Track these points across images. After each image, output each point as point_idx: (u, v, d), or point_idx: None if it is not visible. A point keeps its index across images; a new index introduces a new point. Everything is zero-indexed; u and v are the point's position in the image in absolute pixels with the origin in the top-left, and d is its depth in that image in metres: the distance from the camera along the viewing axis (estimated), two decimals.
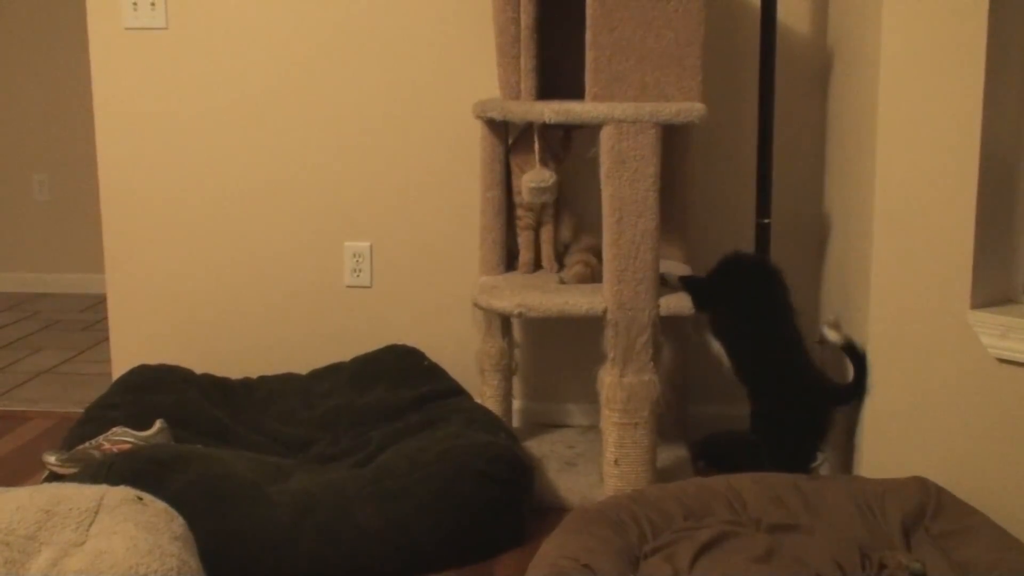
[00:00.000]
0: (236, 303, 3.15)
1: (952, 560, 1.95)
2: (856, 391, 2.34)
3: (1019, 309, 2.17)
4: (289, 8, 3.01)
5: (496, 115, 2.63)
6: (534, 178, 2.63)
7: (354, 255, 3.10)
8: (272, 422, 2.80)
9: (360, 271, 3.10)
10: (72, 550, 1.73)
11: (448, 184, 3.02)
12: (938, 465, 2.21)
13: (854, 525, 2.09)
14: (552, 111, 2.42)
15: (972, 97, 2.11)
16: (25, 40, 4.98)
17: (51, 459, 2.49)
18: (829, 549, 1.98)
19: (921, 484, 2.16)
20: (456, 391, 2.80)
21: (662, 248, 2.53)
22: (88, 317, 4.59)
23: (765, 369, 2.48)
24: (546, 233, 2.75)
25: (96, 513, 1.80)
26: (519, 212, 2.74)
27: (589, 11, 2.38)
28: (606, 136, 2.38)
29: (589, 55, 2.40)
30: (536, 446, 2.87)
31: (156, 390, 2.77)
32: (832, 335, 2.40)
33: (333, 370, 2.99)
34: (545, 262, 2.76)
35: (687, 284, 2.56)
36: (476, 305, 2.64)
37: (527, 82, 2.57)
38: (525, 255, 2.76)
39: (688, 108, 2.39)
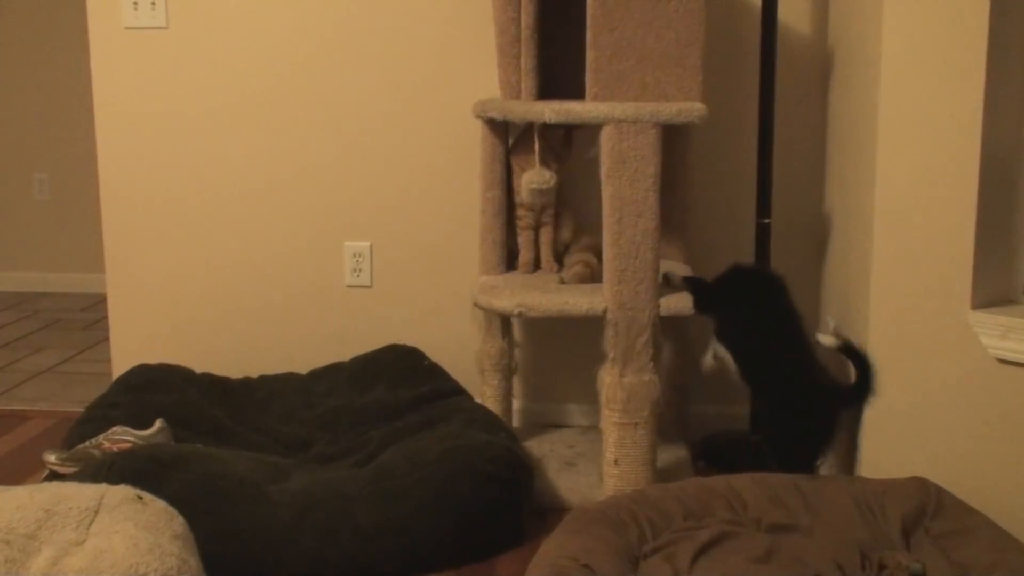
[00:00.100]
0: (236, 303, 3.15)
1: (952, 560, 1.95)
2: (862, 391, 2.32)
3: (1019, 309, 2.17)
4: (289, 8, 3.01)
5: (496, 115, 2.63)
6: (534, 179, 2.63)
7: (354, 255, 3.10)
8: (272, 422, 2.80)
9: (360, 271, 3.10)
10: (72, 549, 1.73)
11: (448, 184, 3.02)
12: (938, 465, 2.21)
13: (854, 525, 2.09)
14: (552, 111, 2.42)
15: (973, 97, 2.11)
16: (25, 39, 4.98)
17: (51, 458, 2.49)
18: (829, 549, 1.98)
19: (921, 484, 2.16)
20: (456, 391, 2.80)
21: (662, 248, 2.54)
22: (88, 316, 4.59)
23: (772, 372, 2.46)
24: (546, 233, 2.75)
25: (96, 512, 1.80)
26: (519, 212, 2.74)
27: (589, 11, 2.38)
28: (606, 136, 2.38)
29: (589, 55, 2.40)
30: (536, 446, 2.87)
31: (156, 389, 2.77)
32: (827, 340, 2.39)
33: (333, 370, 2.99)
34: (545, 262, 2.76)
35: (690, 285, 2.56)
36: (476, 305, 2.64)
37: (527, 82, 2.57)
38: (525, 255, 2.76)
39: (688, 108, 2.39)
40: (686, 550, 1.98)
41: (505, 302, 2.52)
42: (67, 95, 4.93)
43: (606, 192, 2.41)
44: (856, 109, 2.48)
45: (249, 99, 3.06)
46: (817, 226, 2.91)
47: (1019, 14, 2.12)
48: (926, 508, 2.10)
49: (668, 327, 2.64)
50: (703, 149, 2.90)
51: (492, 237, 2.76)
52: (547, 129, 2.60)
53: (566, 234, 2.78)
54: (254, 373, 3.04)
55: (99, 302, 4.66)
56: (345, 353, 3.01)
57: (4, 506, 1.78)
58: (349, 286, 3.12)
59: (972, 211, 2.15)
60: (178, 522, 1.88)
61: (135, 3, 3.03)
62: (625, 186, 2.39)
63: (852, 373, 2.35)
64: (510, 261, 2.79)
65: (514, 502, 2.40)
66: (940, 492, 2.14)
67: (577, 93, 2.48)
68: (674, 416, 2.83)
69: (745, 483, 2.23)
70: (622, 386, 2.44)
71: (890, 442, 2.30)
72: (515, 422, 2.97)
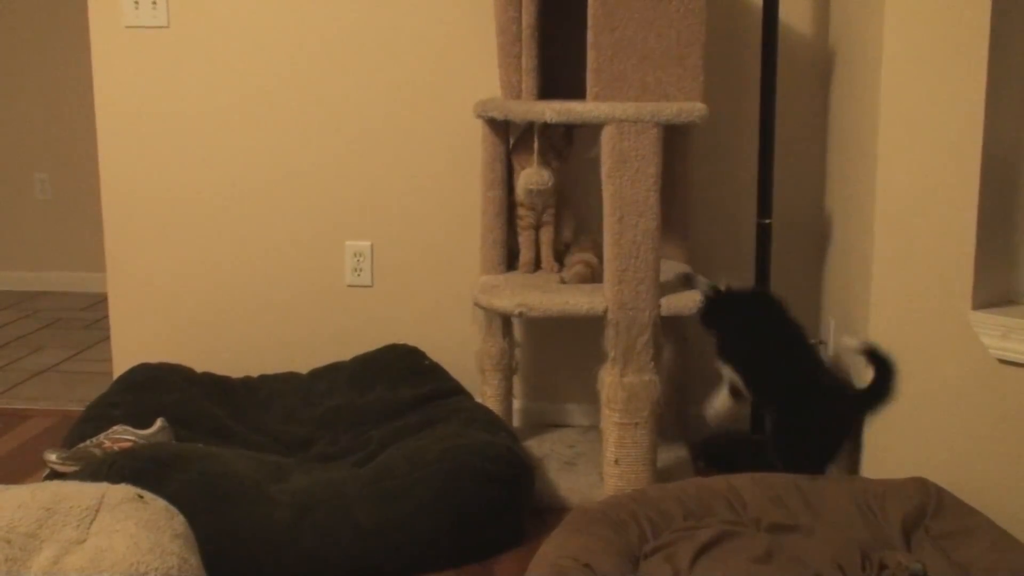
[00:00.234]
0: (237, 302, 3.15)
1: (952, 560, 1.95)
2: (879, 395, 2.29)
3: (1020, 310, 2.17)
4: (290, 7, 3.01)
5: (497, 115, 2.63)
6: (531, 179, 2.63)
7: (355, 254, 3.10)
8: (273, 421, 2.80)
9: (361, 270, 3.10)
10: (73, 548, 1.73)
11: (449, 184, 3.02)
12: (938, 465, 2.21)
13: (854, 525, 2.09)
14: (553, 111, 2.42)
15: (974, 97, 2.11)
16: (26, 38, 4.98)
17: (52, 457, 2.49)
18: (829, 549, 1.98)
19: (921, 484, 2.16)
20: (456, 391, 2.80)
21: (663, 248, 2.54)
22: (89, 315, 4.59)
23: (782, 380, 2.45)
24: (547, 233, 2.75)
25: (97, 511, 1.80)
26: (520, 212, 2.74)
27: (590, 11, 2.38)
28: (607, 136, 2.38)
29: (590, 55, 2.40)
30: (536, 446, 2.87)
31: (157, 389, 2.78)
32: (851, 342, 2.36)
33: (334, 369, 2.99)
34: (546, 262, 2.76)
35: (711, 294, 2.52)
36: (477, 305, 2.64)
37: (528, 82, 2.57)
38: (526, 255, 2.76)
39: (689, 108, 2.39)
40: (686, 550, 1.98)
41: (506, 302, 2.52)
42: (68, 94, 4.93)
43: (607, 192, 2.41)
44: (857, 109, 2.48)
45: (250, 98, 3.06)
46: (818, 226, 2.91)
47: (1020, 14, 2.12)
48: (926, 508, 2.10)
49: (669, 327, 2.64)
50: (704, 149, 2.90)
51: (493, 237, 2.76)
52: (548, 128, 2.60)
53: (567, 234, 2.79)
54: (255, 372, 3.05)
55: (100, 301, 4.66)
56: (346, 353, 3.01)
57: (5, 505, 1.78)
58: (350, 286, 3.12)
59: (973, 211, 2.15)
60: (179, 521, 1.88)
61: (136, 2, 3.03)
62: (626, 186, 2.40)
63: (868, 376, 2.32)
64: (511, 261, 2.79)
65: (514, 502, 2.40)
66: (940, 492, 2.14)
67: (578, 93, 2.48)
68: (674, 416, 2.83)
69: (745, 483, 2.23)
70: (623, 386, 2.44)
71: (890, 442, 2.30)
72: (515, 422, 2.97)
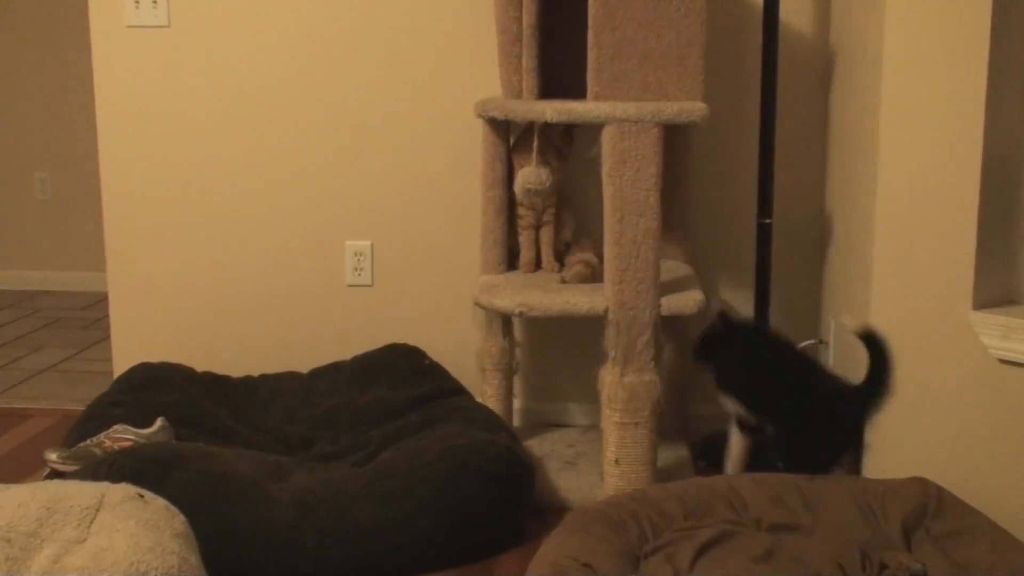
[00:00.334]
0: (237, 301, 3.15)
1: (953, 560, 1.95)
2: (875, 386, 2.27)
3: (1020, 310, 2.17)
4: (291, 7, 3.01)
5: (498, 114, 2.63)
6: (529, 178, 2.63)
7: (355, 254, 3.10)
8: (273, 421, 2.80)
9: (361, 270, 3.10)
10: (73, 547, 1.73)
11: (449, 183, 3.02)
12: (939, 465, 2.21)
13: (855, 525, 2.09)
14: (554, 111, 2.42)
15: (974, 97, 2.11)
16: (27, 38, 4.98)
17: (52, 456, 2.49)
18: (830, 549, 1.98)
19: (922, 484, 2.16)
20: (457, 390, 2.80)
21: (663, 248, 2.54)
22: (89, 315, 4.59)
23: (782, 400, 2.45)
24: (547, 233, 2.75)
25: (97, 510, 1.80)
26: (520, 211, 2.74)
27: (591, 11, 2.38)
28: (608, 136, 2.38)
29: (591, 55, 2.40)
30: (537, 445, 2.87)
31: (157, 388, 2.78)
32: (850, 322, 2.34)
33: (334, 369, 2.99)
34: (546, 262, 2.76)
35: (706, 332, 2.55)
36: (477, 304, 2.64)
37: (529, 81, 2.57)
38: (526, 254, 2.76)
39: (690, 108, 2.39)
40: (687, 550, 1.98)
41: (506, 301, 2.52)
42: (68, 94, 4.93)
43: (607, 192, 2.41)
44: (858, 109, 2.48)
45: (250, 98, 3.06)
46: (818, 226, 2.91)
47: (1020, 14, 2.12)
48: (927, 508, 2.10)
49: (669, 327, 2.65)
50: (704, 149, 2.90)
51: (493, 236, 2.76)
52: (548, 128, 2.60)
53: (567, 234, 2.79)
54: (255, 372, 3.05)
55: (100, 301, 4.66)
56: (346, 352, 3.01)
57: (5, 504, 1.78)
58: (350, 285, 3.12)
59: (973, 211, 2.14)
60: (179, 520, 1.88)
61: (136, 1, 3.03)
62: (626, 186, 2.39)
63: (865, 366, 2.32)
64: (511, 260, 2.79)
65: (514, 502, 2.40)
66: (941, 492, 2.14)
67: (578, 92, 2.48)
68: (674, 416, 2.83)
69: (746, 483, 2.23)
70: (623, 386, 2.44)
71: (890, 442, 2.29)
72: (516, 421, 2.97)
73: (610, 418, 2.46)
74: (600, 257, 2.53)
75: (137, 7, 3.04)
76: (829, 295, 2.82)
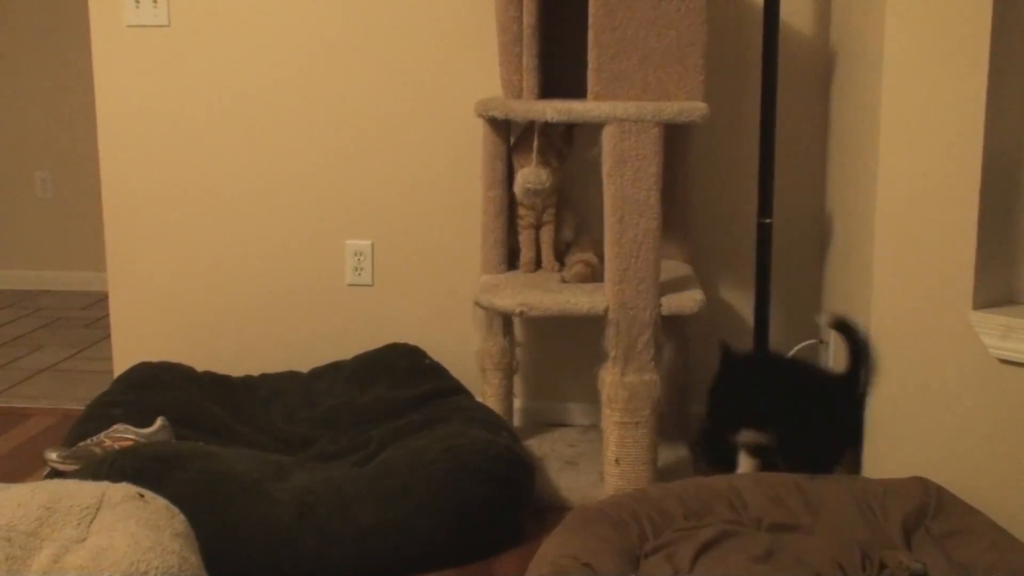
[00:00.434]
0: (237, 301, 3.15)
1: (953, 560, 1.95)
2: (859, 370, 2.32)
3: (1021, 310, 2.17)
4: (291, 6, 3.01)
5: (498, 114, 2.63)
6: (528, 178, 2.63)
7: (356, 253, 3.10)
8: (273, 420, 2.80)
9: (361, 269, 3.10)
10: (73, 547, 1.73)
11: (450, 183, 3.02)
12: (939, 465, 2.21)
13: (855, 525, 2.09)
14: (554, 110, 2.42)
15: (975, 96, 2.11)
16: (27, 37, 4.99)
17: (52, 456, 2.49)
18: (830, 549, 1.98)
19: (922, 484, 2.16)
20: (457, 390, 2.80)
21: (664, 247, 2.54)
22: (89, 314, 4.59)
23: (785, 405, 2.48)
24: (547, 232, 2.75)
25: (97, 510, 1.80)
26: (520, 211, 2.74)
27: (591, 10, 2.38)
28: (608, 135, 2.38)
29: (591, 54, 2.40)
30: (537, 445, 2.87)
31: (157, 388, 2.78)
32: (822, 319, 2.43)
33: (334, 368, 2.99)
34: (546, 261, 2.76)
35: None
36: (477, 304, 2.64)
37: (529, 81, 2.57)
38: (526, 254, 2.76)
39: (690, 107, 2.39)
40: (687, 549, 1.98)
41: (506, 301, 2.52)
42: (69, 93, 4.93)
43: (607, 191, 2.41)
44: (858, 108, 2.48)
45: (251, 97, 3.06)
46: (819, 225, 2.91)
47: (1021, 14, 2.12)
48: (927, 508, 2.10)
49: (669, 327, 2.64)
50: (705, 148, 2.90)
51: (493, 236, 2.76)
52: (548, 128, 2.60)
53: (567, 233, 2.79)
54: (255, 371, 3.05)
55: (100, 300, 4.67)
56: (346, 352, 3.01)
57: (5, 504, 1.78)
58: (350, 285, 3.12)
59: (974, 211, 2.14)
60: (179, 520, 1.88)
61: (137, 1, 3.03)
62: (627, 185, 2.39)
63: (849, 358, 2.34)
64: (511, 260, 2.79)
65: (515, 501, 2.40)
66: (941, 492, 2.14)
67: (579, 92, 2.48)
68: (675, 416, 2.83)
69: (746, 483, 2.23)
70: (623, 385, 2.44)
71: (890, 442, 2.29)
72: (516, 421, 2.97)
73: (610, 418, 2.46)
74: (600, 257, 2.53)
75: (137, 7, 3.04)
76: (829, 295, 2.82)
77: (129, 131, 3.11)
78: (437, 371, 2.89)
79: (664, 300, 2.47)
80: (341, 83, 3.03)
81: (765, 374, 2.57)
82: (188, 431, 2.58)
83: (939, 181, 2.17)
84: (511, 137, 2.76)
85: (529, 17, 2.54)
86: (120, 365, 3.13)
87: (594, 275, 2.61)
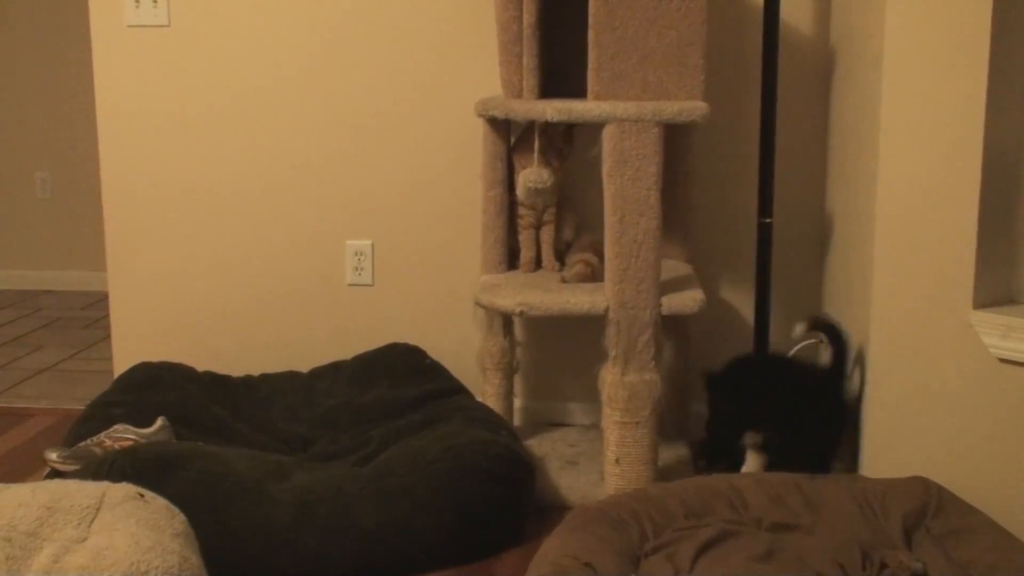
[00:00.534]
0: (238, 301, 3.15)
1: (953, 560, 1.95)
2: (842, 362, 2.43)
3: (1021, 309, 2.17)
4: (291, 6, 3.01)
5: (498, 113, 2.63)
6: (531, 177, 2.63)
7: (356, 253, 3.10)
8: (273, 420, 2.80)
9: (362, 269, 3.10)
10: (74, 547, 1.74)
11: (450, 183, 3.02)
12: (939, 465, 2.21)
13: (855, 525, 2.09)
14: (554, 110, 2.42)
15: (975, 97, 2.11)
16: (27, 37, 4.99)
17: (53, 456, 2.49)
18: (830, 548, 1.98)
19: (922, 484, 2.16)
20: (457, 390, 2.80)
21: (664, 247, 2.54)
22: (90, 314, 4.59)
23: (779, 410, 2.52)
24: (548, 232, 2.75)
25: (98, 510, 1.80)
26: (521, 211, 2.74)
27: (591, 10, 2.38)
28: (608, 135, 2.38)
29: (591, 54, 2.40)
30: (537, 445, 2.87)
31: (158, 388, 2.78)
32: (798, 329, 2.51)
33: (334, 368, 2.99)
34: (546, 261, 2.76)
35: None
36: (478, 304, 2.64)
37: (529, 80, 2.57)
38: (526, 254, 2.76)
39: (691, 107, 2.39)
40: (687, 549, 1.98)
41: (507, 301, 2.52)
42: (69, 93, 4.93)
43: (608, 191, 2.41)
44: (858, 108, 2.48)
45: (251, 97, 3.06)
46: (819, 225, 2.91)
47: (1021, 14, 2.12)
48: (927, 507, 2.10)
49: (669, 326, 2.65)
50: (705, 148, 2.90)
51: (494, 236, 2.76)
52: (549, 127, 2.60)
53: (567, 233, 2.79)
54: (255, 371, 3.05)
55: (101, 300, 4.66)
56: (346, 352, 3.01)
57: (6, 504, 1.78)
58: (351, 285, 3.12)
59: (974, 210, 2.14)
60: (179, 520, 1.89)
61: (137, 1, 3.03)
62: (627, 185, 2.39)
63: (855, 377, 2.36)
64: (511, 260, 2.79)
65: (515, 501, 2.40)
66: (941, 492, 2.14)
67: (579, 92, 2.48)
68: (675, 415, 2.83)
69: (746, 482, 2.23)
70: (624, 385, 2.44)
71: (890, 442, 2.30)
72: (516, 421, 2.97)
73: (611, 417, 2.46)
74: (600, 256, 2.53)
75: (137, 6, 3.04)
76: (829, 295, 2.82)
77: (129, 131, 3.11)
78: (437, 371, 2.89)
79: (664, 300, 2.47)
80: (341, 83, 3.03)
81: (760, 375, 2.61)
82: (188, 431, 2.58)
83: (939, 181, 2.17)
84: (511, 137, 2.76)
85: (529, 16, 2.54)
86: (120, 365, 3.13)
87: (594, 275, 2.61)
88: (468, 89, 2.93)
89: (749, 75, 2.83)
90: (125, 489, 1.89)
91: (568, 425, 3.06)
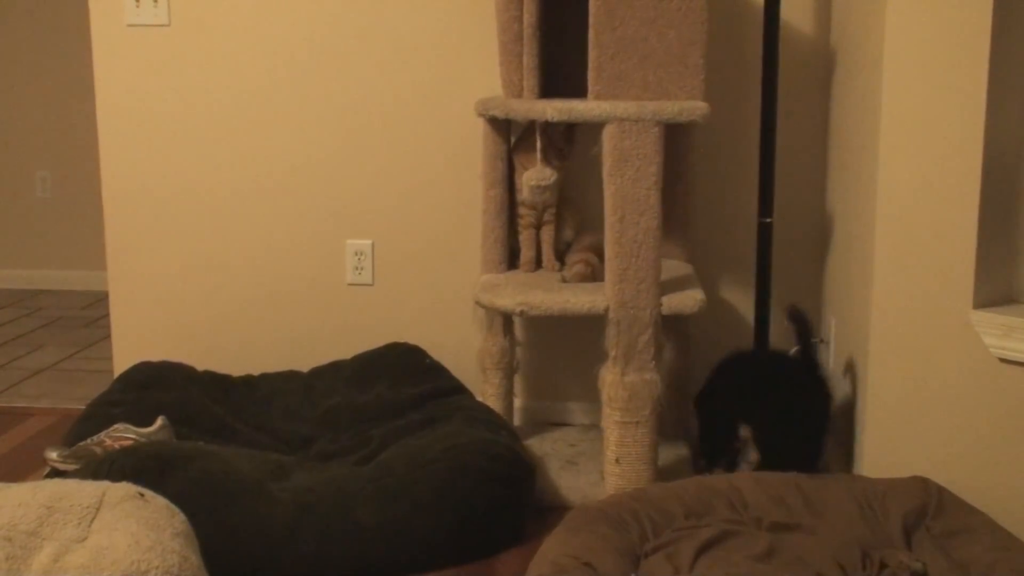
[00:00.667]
0: (238, 300, 3.15)
1: (953, 560, 1.95)
2: (809, 346, 2.50)
3: (1021, 309, 2.17)
4: (291, 5, 3.01)
5: (499, 113, 2.63)
6: (535, 176, 2.63)
7: (356, 253, 3.10)
8: (273, 420, 2.80)
9: (362, 269, 3.10)
10: (74, 546, 1.73)
11: (450, 182, 3.02)
12: (939, 465, 2.21)
13: (855, 524, 2.09)
14: (555, 110, 2.42)
15: (975, 97, 2.11)
16: (28, 37, 4.98)
17: (53, 455, 2.49)
18: (830, 548, 1.98)
19: (922, 484, 2.16)
20: (457, 389, 2.80)
21: (664, 247, 2.54)
22: (90, 314, 4.59)
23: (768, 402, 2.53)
24: (548, 232, 2.75)
25: (98, 509, 1.80)
26: (521, 211, 2.74)
27: (592, 10, 2.38)
28: (608, 135, 2.38)
29: (591, 54, 2.40)
30: (537, 444, 2.87)
31: (158, 387, 2.78)
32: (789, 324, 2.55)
33: (334, 368, 2.99)
34: (546, 261, 2.76)
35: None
36: (478, 303, 2.64)
37: (529, 80, 2.57)
38: (527, 253, 2.76)
39: (691, 107, 2.39)
40: (687, 549, 1.98)
41: (507, 300, 2.52)
42: (69, 92, 4.93)
43: (608, 191, 2.41)
44: (858, 108, 2.48)
45: (251, 97, 3.06)
46: (819, 225, 2.91)
47: (1021, 14, 2.12)
48: (927, 507, 2.10)
49: (669, 326, 2.65)
50: (705, 148, 2.90)
51: (494, 236, 2.76)
52: (549, 127, 2.60)
53: (568, 233, 2.79)
54: (255, 371, 3.05)
55: (101, 299, 4.67)
56: (346, 351, 3.01)
57: (6, 503, 1.78)
58: (351, 284, 3.12)
59: (974, 210, 2.14)
60: (179, 519, 1.88)
61: (137, 0, 3.03)
62: (627, 185, 2.39)
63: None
64: (512, 260, 2.79)
65: (515, 501, 2.40)
66: (941, 491, 2.14)
67: (579, 91, 2.48)
68: (675, 415, 2.83)
69: (746, 482, 2.23)
70: (624, 385, 2.44)
71: (891, 442, 2.29)
72: (516, 420, 2.97)
73: (611, 417, 2.46)
74: (600, 256, 2.53)
75: (137, 6, 3.04)
76: (829, 294, 2.82)
77: (129, 131, 3.11)
78: (437, 370, 2.89)
79: (664, 299, 2.47)
80: (341, 83, 3.03)
81: (750, 372, 2.63)
82: (188, 431, 2.58)
83: (939, 181, 2.17)
84: (511, 137, 2.76)
85: (529, 16, 2.54)
86: (120, 365, 3.13)
87: (594, 275, 2.61)
88: (468, 89, 2.94)
89: (749, 75, 2.83)
90: (125, 489, 1.89)
91: (568, 425, 3.06)
